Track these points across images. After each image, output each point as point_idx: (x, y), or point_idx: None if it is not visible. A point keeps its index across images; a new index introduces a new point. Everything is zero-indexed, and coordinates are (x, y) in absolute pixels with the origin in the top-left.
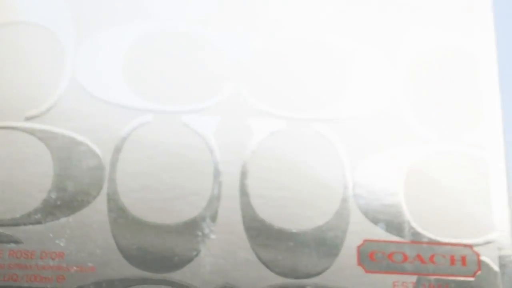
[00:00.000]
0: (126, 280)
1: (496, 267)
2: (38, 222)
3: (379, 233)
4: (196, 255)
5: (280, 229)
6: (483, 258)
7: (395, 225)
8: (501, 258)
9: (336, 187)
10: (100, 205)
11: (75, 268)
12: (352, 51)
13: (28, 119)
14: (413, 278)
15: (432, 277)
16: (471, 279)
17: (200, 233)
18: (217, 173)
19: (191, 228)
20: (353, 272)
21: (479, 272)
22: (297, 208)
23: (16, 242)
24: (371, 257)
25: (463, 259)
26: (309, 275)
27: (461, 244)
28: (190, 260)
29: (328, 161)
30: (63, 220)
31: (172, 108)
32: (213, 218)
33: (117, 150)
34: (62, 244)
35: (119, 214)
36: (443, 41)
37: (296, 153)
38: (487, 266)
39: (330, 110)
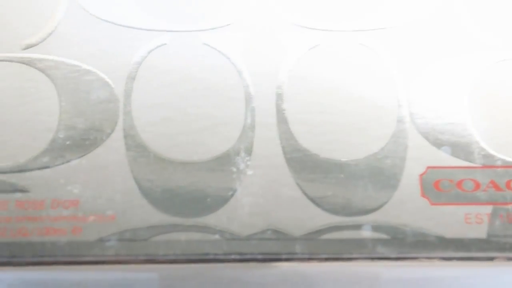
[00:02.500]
0: (153, 228)
1: None
2: (46, 166)
3: (444, 158)
4: (232, 195)
5: (328, 160)
6: None
7: (462, 147)
8: None
9: (389, 107)
10: (116, 143)
11: (92, 217)
12: None
13: (25, 48)
14: (488, 209)
15: (511, 206)
16: None
17: (234, 169)
18: (249, 98)
19: (223, 164)
20: (417, 205)
21: None
22: (345, 134)
23: (23, 191)
24: (437, 187)
25: None
26: (365, 211)
27: None
28: (225, 201)
29: (377, 77)
30: (74, 162)
31: (191, 26)
32: (248, 151)
33: (131, 78)
34: (75, 191)
35: (138, 152)
36: None
37: (339, 70)
38: None
39: (376, 18)
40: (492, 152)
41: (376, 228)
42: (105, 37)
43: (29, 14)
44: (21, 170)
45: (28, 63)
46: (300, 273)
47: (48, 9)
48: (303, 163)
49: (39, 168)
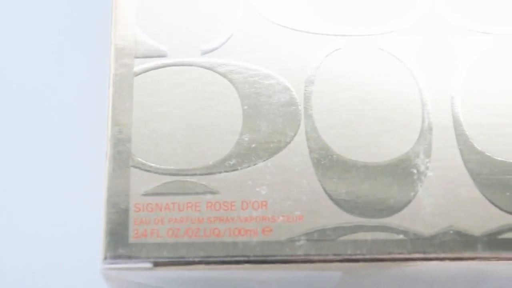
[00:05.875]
0: (340, 228)
1: None
2: (234, 168)
3: None
4: (414, 196)
5: (504, 162)
6: None
7: None
8: None
9: None
10: (299, 145)
11: (281, 218)
12: None
13: (205, 53)
14: None
15: None
16: None
17: (415, 171)
18: (424, 101)
19: (404, 165)
20: None
21: None
22: None
23: (213, 192)
24: None
25: None
26: None
27: None
28: (407, 202)
29: None
30: (260, 164)
31: (364, 31)
32: (427, 153)
33: (310, 81)
34: (263, 192)
35: (321, 154)
36: None
37: None
38: None
39: None
40: None
41: None
42: (282, 42)
43: (206, 19)
44: (210, 172)
45: (209, 67)
46: (480, 271)
47: (224, 14)
48: (480, 165)
49: (227, 171)
